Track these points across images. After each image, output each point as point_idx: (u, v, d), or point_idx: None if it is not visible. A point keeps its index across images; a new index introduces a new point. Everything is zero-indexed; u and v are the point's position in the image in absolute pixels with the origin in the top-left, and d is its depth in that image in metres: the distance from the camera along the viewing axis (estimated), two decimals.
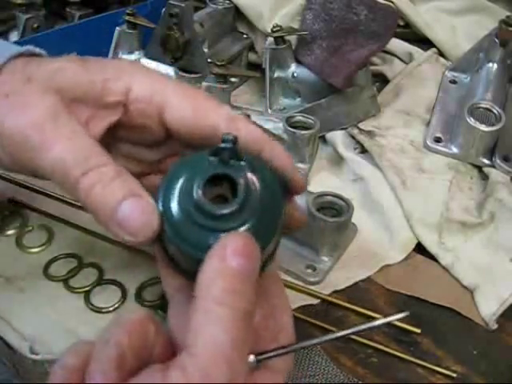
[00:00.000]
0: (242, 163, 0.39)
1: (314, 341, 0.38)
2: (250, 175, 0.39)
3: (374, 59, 0.94)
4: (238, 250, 0.35)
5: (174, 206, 0.38)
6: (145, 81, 0.46)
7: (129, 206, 0.39)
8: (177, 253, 0.39)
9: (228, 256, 0.35)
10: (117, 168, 0.41)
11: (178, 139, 0.47)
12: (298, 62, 0.86)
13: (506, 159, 0.77)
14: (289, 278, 0.64)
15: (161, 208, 0.39)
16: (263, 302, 0.40)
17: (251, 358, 0.36)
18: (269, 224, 0.39)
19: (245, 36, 0.97)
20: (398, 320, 0.38)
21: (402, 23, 1.00)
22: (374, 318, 0.59)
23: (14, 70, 0.46)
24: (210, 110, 0.45)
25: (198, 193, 0.37)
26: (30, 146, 0.41)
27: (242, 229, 0.37)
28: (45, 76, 0.44)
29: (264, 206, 0.38)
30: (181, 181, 0.39)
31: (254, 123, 0.46)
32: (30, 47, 0.50)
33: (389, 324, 0.60)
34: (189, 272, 0.39)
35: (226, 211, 0.37)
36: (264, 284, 0.40)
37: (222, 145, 0.38)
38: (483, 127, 0.76)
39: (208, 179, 0.38)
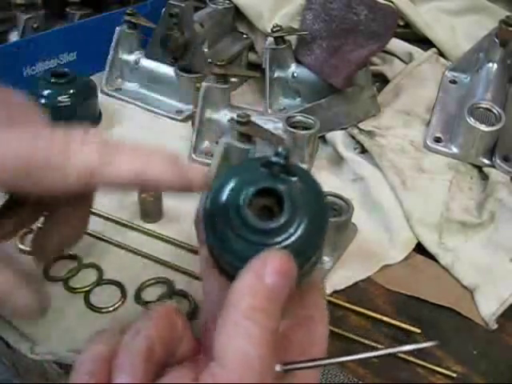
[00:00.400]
0: (293, 179, 0.39)
1: (342, 358, 0.38)
2: (298, 192, 0.39)
3: (374, 59, 0.94)
4: (276, 270, 0.35)
5: (221, 214, 0.38)
6: None
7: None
8: (220, 258, 0.40)
9: (266, 274, 0.35)
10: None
11: None
12: (298, 62, 0.86)
13: (506, 159, 0.77)
14: None
15: (205, 211, 0.39)
16: (299, 312, 0.40)
17: (278, 367, 0.36)
18: (311, 241, 0.38)
19: (245, 36, 0.97)
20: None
21: (401, 23, 1.00)
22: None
23: None
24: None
25: (243, 205, 0.37)
26: None
27: (284, 244, 0.37)
28: None
29: (309, 223, 0.38)
30: (229, 187, 0.39)
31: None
32: None
33: (389, 324, 0.60)
34: (230, 275, 0.40)
35: (269, 227, 0.37)
36: (303, 294, 0.40)
37: (274, 159, 0.38)
38: (483, 127, 0.76)
39: (255, 192, 0.38)
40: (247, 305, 0.34)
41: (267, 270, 0.35)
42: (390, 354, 0.40)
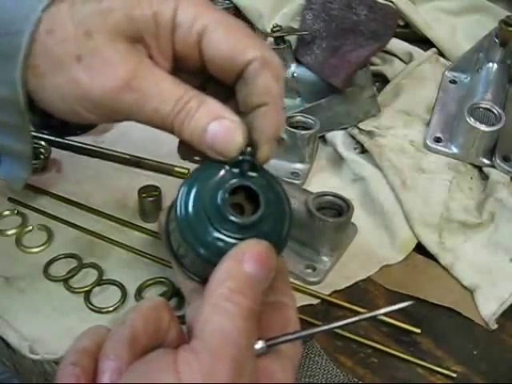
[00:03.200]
0: (257, 175, 0.41)
1: (322, 328, 0.39)
2: (266, 188, 0.41)
3: (374, 59, 0.94)
4: (255, 257, 0.37)
5: (194, 212, 0.40)
6: (189, 6, 0.45)
7: (213, 128, 0.42)
8: (194, 258, 0.41)
9: (244, 261, 0.37)
10: (199, 97, 0.44)
11: (210, 70, 0.47)
12: (298, 61, 0.86)
13: (505, 159, 0.77)
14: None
15: (179, 214, 0.40)
16: (270, 298, 0.41)
17: (260, 343, 0.37)
18: (282, 233, 0.41)
19: None
20: (400, 309, 0.39)
21: (401, 23, 1.00)
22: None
23: (61, 18, 0.43)
24: (247, 48, 0.45)
25: (222, 202, 0.39)
26: (122, 106, 0.43)
27: (259, 237, 0.39)
28: (102, 24, 0.43)
29: (277, 216, 0.41)
30: (201, 188, 0.41)
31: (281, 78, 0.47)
32: None
33: (389, 324, 0.60)
34: (200, 277, 0.42)
35: (248, 221, 0.39)
36: (273, 282, 0.41)
37: (240, 157, 0.41)
38: (483, 127, 0.76)
39: (232, 190, 0.40)
40: (225, 288, 0.36)
41: (246, 256, 0.37)
42: (367, 319, 0.41)
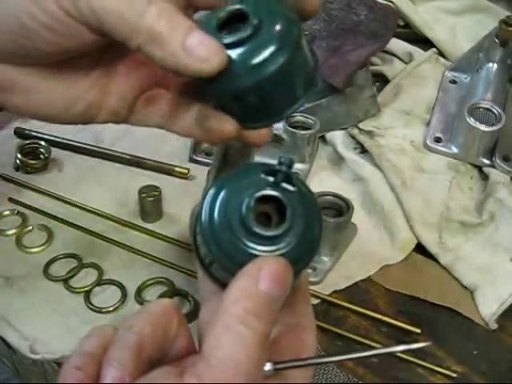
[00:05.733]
0: (293, 188, 0.39)
1: (333, 358, 0.39)
2: (297, 202, 0.39)
3: (374, 59, 0.94)
4: (271, 275, 0.35)
5: (220, 217, 0.38)
6: None
7: (197, 37, 0.41)
8: (213, 261, 0.40)
9: (260, 278, 0.35)
10: (175, 7, 0.42)
11: None
12: None
13: (505, 159, 0.77)
14: None
15: (205, 216, 0.39)
16: (289, 319, 0.40)
17: (269, 365, 0.36)
18: (306, 252, 0.39)
19: None
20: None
21: (402, 23, 1.00)
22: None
23: None
24: None
25: (246, 210, 0.38)
26: (85, 12, 0.40)
27: (280, 252, 0.38)
28: None
29: (305, 234, 0.39)
30: (230, 192, 0.39)
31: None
32: None
33: (389, 324, 0.60)
34: (221, 281, 0.40)
35: (271, 234, 0.38)
36: (293, 302, 0.40)
37: (277, 167, 0.39)
38: (483, 127, 0.76)
39: (259, 199, 0.38)
40: (240, 308, 0.34)
41: (262, 274, 0.35)
42: (381, 355, 0.40)
